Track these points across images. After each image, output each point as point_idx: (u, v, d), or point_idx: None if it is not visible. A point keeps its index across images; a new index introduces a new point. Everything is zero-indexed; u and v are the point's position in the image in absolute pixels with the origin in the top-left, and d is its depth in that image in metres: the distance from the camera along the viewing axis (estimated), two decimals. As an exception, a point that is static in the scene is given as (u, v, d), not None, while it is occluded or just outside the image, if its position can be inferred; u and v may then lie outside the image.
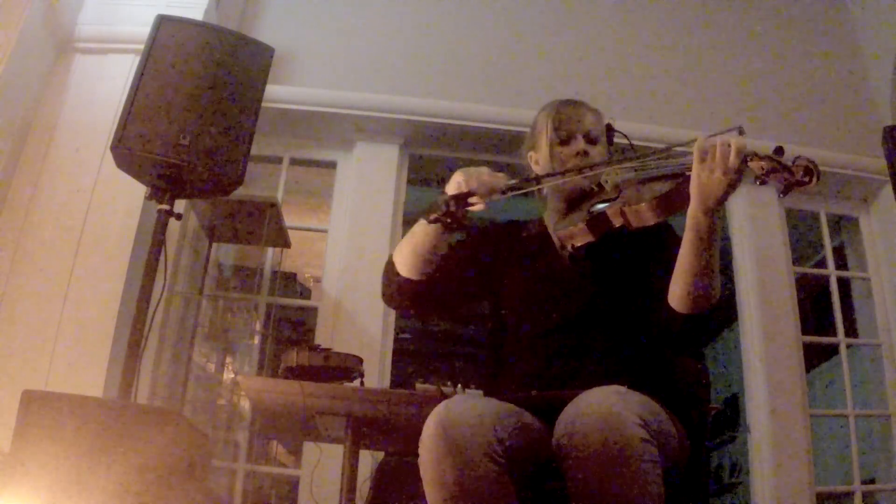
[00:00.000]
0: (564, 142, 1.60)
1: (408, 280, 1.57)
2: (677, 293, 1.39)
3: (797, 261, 3.32)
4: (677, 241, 1.38)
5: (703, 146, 1.29)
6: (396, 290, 1.60)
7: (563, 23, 3.35)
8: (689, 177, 1.31)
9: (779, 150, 1.25)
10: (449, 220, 1.38)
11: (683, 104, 3.22)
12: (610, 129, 1.65)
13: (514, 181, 1.46)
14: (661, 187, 1.39)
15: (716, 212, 1.30)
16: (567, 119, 1.61)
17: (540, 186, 1.54)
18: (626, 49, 3.32)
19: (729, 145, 1.26)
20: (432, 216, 1.40)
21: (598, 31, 3.36)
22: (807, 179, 1.23)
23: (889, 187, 2.82)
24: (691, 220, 1.32)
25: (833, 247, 3.32)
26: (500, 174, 1.45)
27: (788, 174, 1.23)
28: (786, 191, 1.25)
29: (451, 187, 1.43)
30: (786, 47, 3.40)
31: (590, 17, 3.38)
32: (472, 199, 1.38)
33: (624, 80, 3.22)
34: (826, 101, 3.30)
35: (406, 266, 1.56)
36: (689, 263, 1.34)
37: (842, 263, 3.37)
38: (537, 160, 1.66)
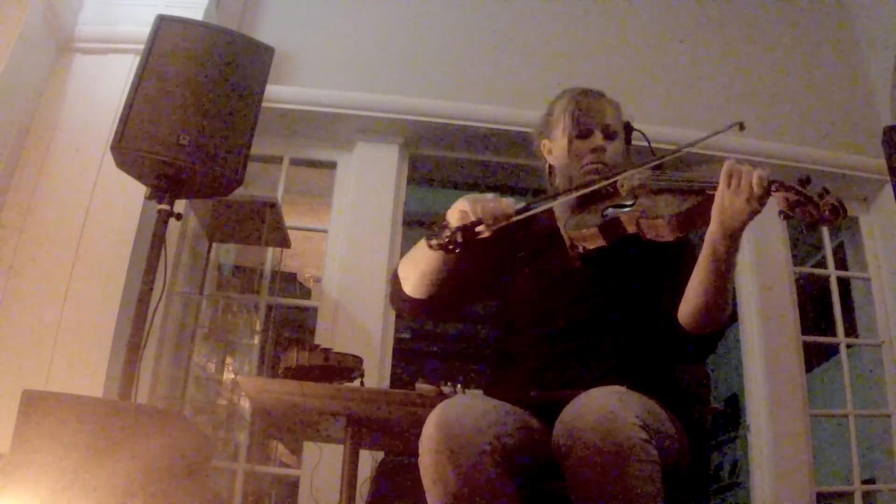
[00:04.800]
0: (582, 135, 1.56)
1: (415, 298, 1.57)
2: (687, 311, 1.36)
3: (797, 261, 3.32)
4: (694, 257, 1.34)
5: (729, 169, 1.23)
6: (405, 306, 1.61)
7: (564, 22, 3.35)
8: (710, 196, 1.27)
9: (804, 181, 1.19)
10: (452, 247, 1.34)
11: (683, 104, 3.21)
12: (629, 129, 1.61)
13: (520, 205, 1.40)
14: (681, 204, 1.33)
15: (736, 237, 1.26)
16: (587, 111, 1.57)
17: (547, 207, 1.47)
18: (628, 49, 3.32)
19: (753, 172, 1.22)
20: (434, 242, 1.35)
21: (599, 32, 3.35)
22: (832, 218, 1.16)
23: (889, 187, 2.82)
24: (709, 242, 1.28)
25: (833, 247, 3.32)
26: (507, 199, 1.40)
27: (814, 209, 1.17)
28: (810, 227, 1.20)
29: (455, 216, 1.38)
30: (786, 47, 3.40)
31: (591, 17, 3.38)
32: (479, 229, 1.34)
33: (624, 79, 3.21)
34: (826, 100, 3.30)
35: (411, 286, 1.55)
36: (702, 284, 1.31)
37: (842, 263, 3.37)
38: (550, 149, 1.63)
